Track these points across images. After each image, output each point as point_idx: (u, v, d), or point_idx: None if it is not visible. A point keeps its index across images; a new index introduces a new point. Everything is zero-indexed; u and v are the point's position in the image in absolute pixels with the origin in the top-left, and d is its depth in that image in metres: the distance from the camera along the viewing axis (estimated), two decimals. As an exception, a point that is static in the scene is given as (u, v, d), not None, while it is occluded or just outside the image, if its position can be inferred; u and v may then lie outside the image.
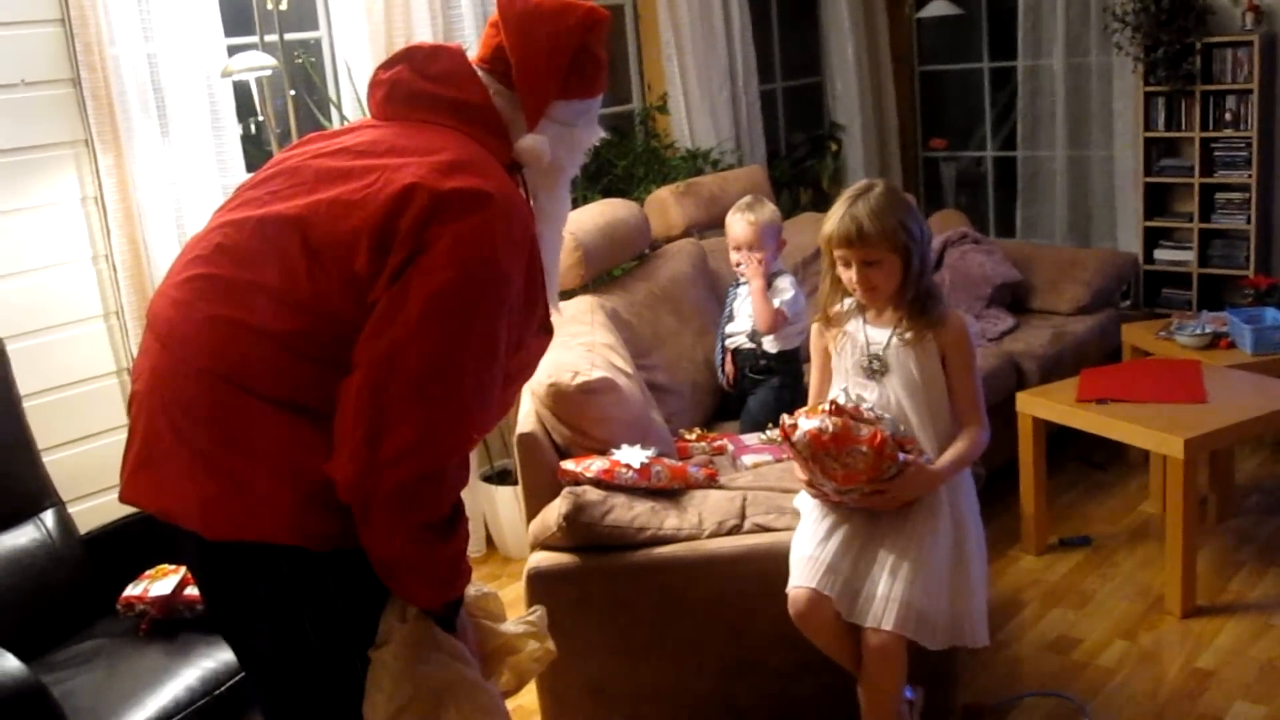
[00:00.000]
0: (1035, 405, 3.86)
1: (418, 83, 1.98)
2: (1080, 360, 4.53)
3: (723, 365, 3.99)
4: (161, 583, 2.77)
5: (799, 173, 6.03)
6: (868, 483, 2.53)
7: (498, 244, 1.80)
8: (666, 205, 4.43)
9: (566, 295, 3.86)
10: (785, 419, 2.58)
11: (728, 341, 3.98)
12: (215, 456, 1.77)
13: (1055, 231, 6.16)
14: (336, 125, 3.91)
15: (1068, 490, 4.45)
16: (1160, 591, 3.60)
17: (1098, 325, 4.85)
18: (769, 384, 3.85)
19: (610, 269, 4.05)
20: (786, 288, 3.82)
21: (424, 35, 3.98)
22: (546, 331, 2.06)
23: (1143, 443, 3.61)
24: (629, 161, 4.93)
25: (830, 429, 2.50)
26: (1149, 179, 5.67)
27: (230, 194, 2.00)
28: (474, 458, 4.18)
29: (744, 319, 3.93)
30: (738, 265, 3.90)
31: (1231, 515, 4.12)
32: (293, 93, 3.71)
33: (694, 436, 3.61)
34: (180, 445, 1.79)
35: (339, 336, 1.77)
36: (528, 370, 2.08)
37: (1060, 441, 4.30)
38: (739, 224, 3.84)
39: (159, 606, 2.73)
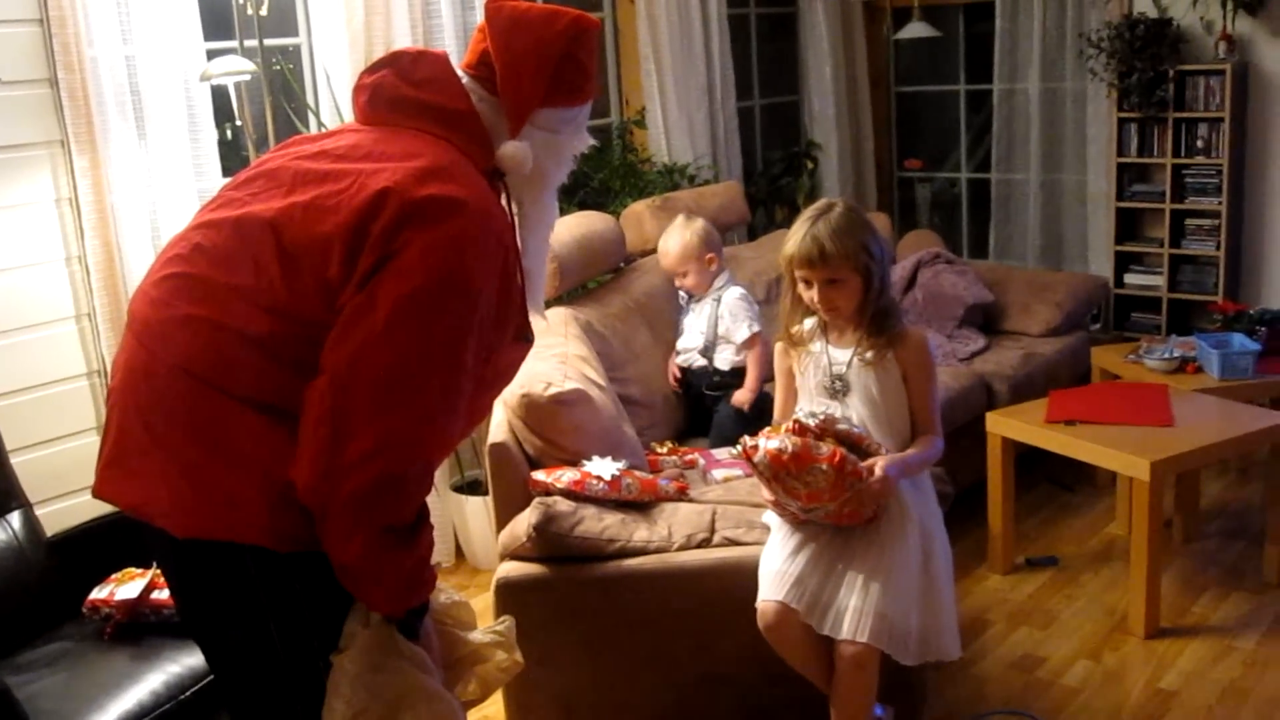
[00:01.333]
0: (1005, 425, 3.88)
1: (400, 88, 1.98)
2: (1050, 382, 4.55)
3: (671, 373, 4.05)
4: (128, 586, 2.76)
5: (775, 190, 6.06)
6: (831, 502, 2.54)
7: (469, 252, 1.80)
8: (642, 219, 4.44)
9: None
10: (746, 440, 2.60)
11: (680, 359, 4.02)
12: (187, 455, 1.76)
13: (1027, 254, 6.21)
14: (314, 132, 3.90)
15: (1036, 511, 4.47)
16: (1125, 612, 3.62)
17: (1068, 347, 4.88)
18: (728, 398, 3.88)
19: (585, 281, 4.06)
20: (725, 317, 3.92)
21: (404, 43, 3.98)
22: (526, 340, 2.05)
23: (1109, 464, 3.64)
24: (606, 175, 4.94)
25: (790, 448, 2.51)
26: (1121, 204, 5.73)
27: (211, 196, 2.00)
28: (445, 467, 4.18)
29: (695, 335, 3.96)
30: (677, 285, 4.06)
31: (1196, 538, 4.15)
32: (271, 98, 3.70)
33: (665, 450, 3.62)
34: (153, 443, 1.79)
35: (312, 340, 1.77)
36: (505, 378, 2.08)
37: (1029, 462, 4.33)
38: (660, 252, 4.03)
39: (124, 610, 2.71)
